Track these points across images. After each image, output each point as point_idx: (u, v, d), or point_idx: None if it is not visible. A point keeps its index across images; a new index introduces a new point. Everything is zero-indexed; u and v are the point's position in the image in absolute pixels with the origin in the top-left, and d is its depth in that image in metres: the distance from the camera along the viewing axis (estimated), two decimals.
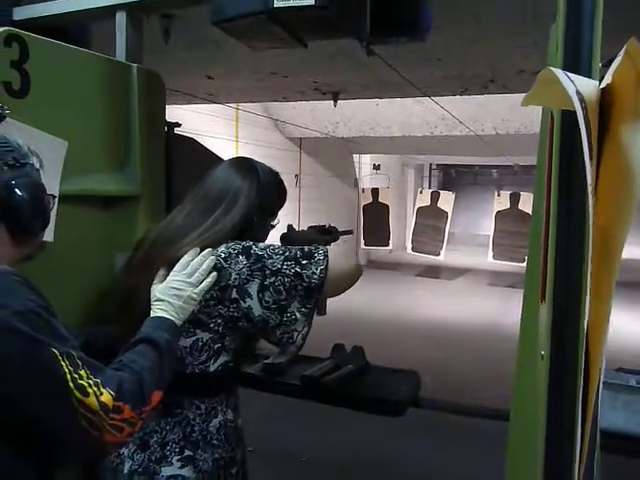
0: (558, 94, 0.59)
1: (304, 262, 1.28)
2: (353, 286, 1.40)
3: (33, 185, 1.08)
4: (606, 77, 0.64)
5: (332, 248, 1.38)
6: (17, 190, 1.04)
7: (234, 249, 1.30)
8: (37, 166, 1.12)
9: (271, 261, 1.27)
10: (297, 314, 1.28)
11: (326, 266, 1.29)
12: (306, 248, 1.32)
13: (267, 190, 1.42)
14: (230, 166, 1.45)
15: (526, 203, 9.73)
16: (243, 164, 1.45)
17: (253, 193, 1.39)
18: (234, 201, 1.37)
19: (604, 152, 0.64)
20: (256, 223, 1.40)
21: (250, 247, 1.30)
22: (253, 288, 1.27)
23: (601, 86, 0.63)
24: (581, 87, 0.59)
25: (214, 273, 1.27)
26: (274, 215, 1.49)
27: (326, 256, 1.30)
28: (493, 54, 3.52)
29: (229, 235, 1.34)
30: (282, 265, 1.27)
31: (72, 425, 0.96)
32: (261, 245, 1.31)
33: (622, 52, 0.58)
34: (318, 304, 1.32)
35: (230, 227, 1.35)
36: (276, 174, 1.49)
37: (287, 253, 1.29)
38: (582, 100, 0.58)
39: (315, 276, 1.28)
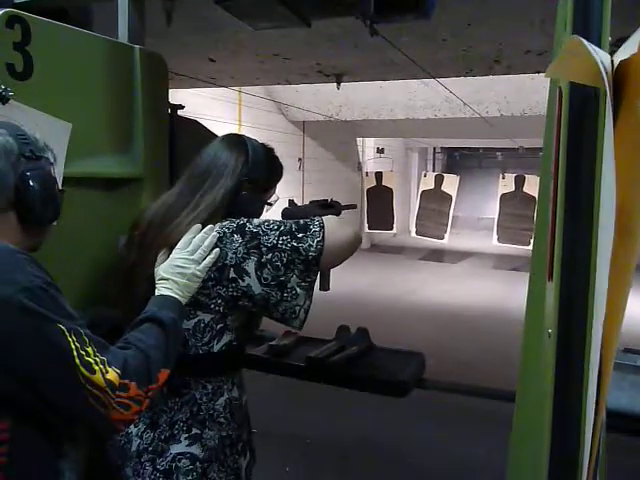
0: (578, 65, 0.57)
1: (300, 235, 1.28)
2: (353, 254, 1.38)
3: (47, 178, 1.10)
4: (626, 48, 0.62)
5: (329, 217, 1.36)
6: (31, 181, 1.06)
7: (228, 228, 1.29)
8: (52, 160, 1.15)
9: (266, 237, 1.27)
10: (297, 289, 1.28)
11: (323, 237, 1.28)
12: (301, 221, 1.31)
13: (255, 164, 1.40)
14: (219, 142, 1.44)
15: (531, 186, 9.69)
16: (232, 139, 1.44)
17: (240, 167, 1.38)
18: (219, 175, 1.36)
19: (618, 128, 0.63)
20: (246, 197, 1.38)
21: (244, 225, 1.29)
22: (250, 266, 1.26)
23: (622, 58, 0.62)
24: (603, 60, 0.58)
25: (216, 249, 1.27)
26: (269, 191, 1.47)
27: (322, 227, 1.29)
28: (498, 34, 3.48)
29: (219, 210, 1.33)
30: (278, 240, 1.27)
31: (79, 401, 0.97)
32: (255, 222, 1.30)
33: None
34: (322, 278, 1.32)
35: (218, 201, 1.34)
36: (269, 150, 1.47)
37: (282, 228, 1.29)
38: (606, 72, 0.57)
39: (312, 248, 1.27)
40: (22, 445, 1.00)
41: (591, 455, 0.69)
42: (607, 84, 0.57)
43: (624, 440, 1.59)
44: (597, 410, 0.68)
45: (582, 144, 0.75)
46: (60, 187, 1.19)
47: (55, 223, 1.17)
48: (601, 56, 0.58)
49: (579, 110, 0.74)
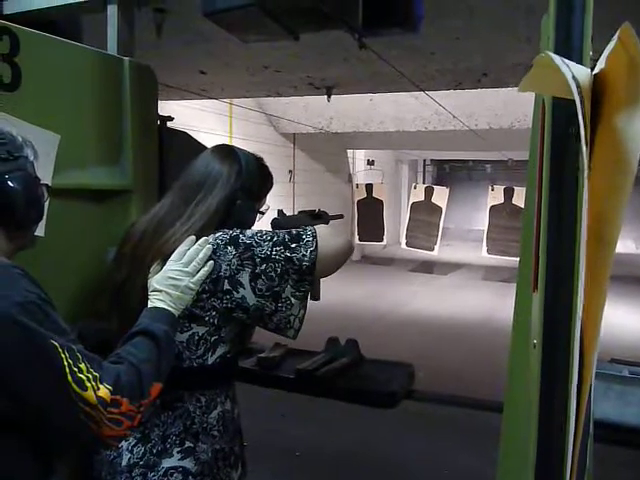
0: (554, 80, 0.59)
1: (293, 245, 1.28)
2: (346, 262, 1.39)
3: (26, 179, 1.07)
4: (599, 63, 0.64)
5: (320, 227, 1.36)
6: (10, 184, 1.03)
7: (221, 240, 1.29)
8: (31, 158, 1.11)
9: (260, 249, 1.27)
10: (292, 299, 1.28)
11: (316, 246, 1.28)
12: (294, 231, 1.31)
13: (249, 173, 1.40)
14: (210, 153, 1.44)
15: (520, 198, 9.74)
16: (223, 149, 1.45)
17: (233, 176, 1.38)
18: (213, 185, 1.36)
19: (597, 139, 0.64)
20: (240, 206, 1.38)
21: (237, 236, 1.29)
22: (245, 277, 1.26)
23: (594, 72, 0.63)
24: (576, 73, 0.59)
25: (211, 262, 1.26)
26: (260, 200, 1.48)
27: (314, 236, 1.29)
28: (486, 48, 3.52)
29: (213, 220, 1.33)
30: (271, 251, 1.27)
31: (70, 417, 0.96)
32: (248, 233, 1.30)
33: (615, 37, 0.58)
34: (312, 288, 1.32)
35: (213, 211, 1.34)
36: (259, 159, 1.47)
37: (275, 238, 1.28)
38: (578, 85, 0.58)
39: (306, 258, 1.27)
40: (10, 460, 0.99)
41: (572, 462, 0.69)
42: (578, 97, 0.58)
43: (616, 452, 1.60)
44: (577, 417, 0.68)
45: (565, 156, 0.76)
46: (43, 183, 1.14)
47: (42, 234, 1.16)
48: (574, 70, 0.59)
49: (561, 122, 0.75)
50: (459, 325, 7.43)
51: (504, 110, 8.03)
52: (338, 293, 8.65)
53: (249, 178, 1.40)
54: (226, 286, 1.27)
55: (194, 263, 1.25)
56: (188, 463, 1.30)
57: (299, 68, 4.25)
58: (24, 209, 1.05)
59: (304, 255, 1.27)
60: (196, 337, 1.31)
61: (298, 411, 4.02)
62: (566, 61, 0.61)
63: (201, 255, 1.26)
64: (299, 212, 1.70)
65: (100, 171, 1.61)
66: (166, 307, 1.22)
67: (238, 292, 1.27)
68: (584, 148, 0.62)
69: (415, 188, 11.69)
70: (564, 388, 0.72)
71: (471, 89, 5.06)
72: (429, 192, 11.30)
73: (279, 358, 2.20)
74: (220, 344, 1.33)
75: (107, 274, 1.47)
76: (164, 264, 1.28)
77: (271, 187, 1.50)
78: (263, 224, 1.47)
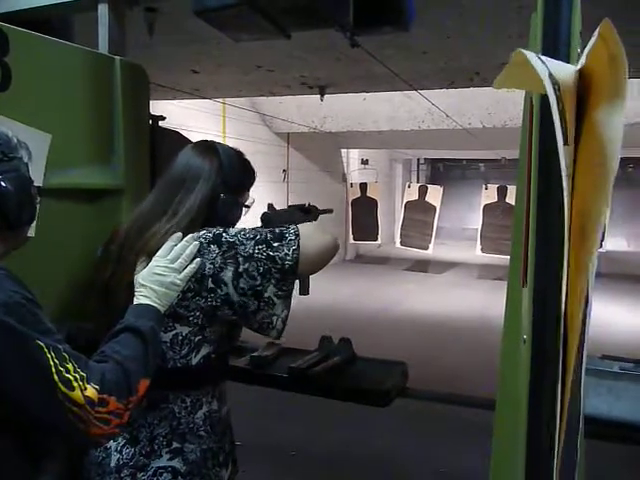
0: (531, 77, 0.59)
1: (275, 244, 1.27)
2: (331, 260, 1.38)
3: (21, 180, 1.06)
4: (580, 59, 0.65)
5: (305, 225, 1.36)
6: (4, 185, 1.02)
7: (205, 238, 1.29)
8: (26, 159, 1.10)
9: (243, 247, 1.26)
10: (274, 298, 1.27)
11: (298, 245, 1.28)
12: (277, 229, 1.31)
13: (230, 167, 1.40)
14: (190, 149, 1.44)
15: (514, 196, 9.76)
16: (203, 145, 1.45)
17: (214, 171, 1.38)
18: (195, 181, 1.36)
19: (582, 135, 0.64)
20: (224, 201, 1.38)
21: (220, 235, 1.29)
22: (228, 276, 1.26)
23: (576, 68, 0.64)
24: (555, 70, 0.60)
25: (198, 259, 1.26)
26: (244, 194, 1.47)
27: (297, 235, 1.29)
28: (477, 47, 3.54)
29: (199, 215, 1.33)
30: (254, 250, 1.26)
31: (58, 418, 0.95)
32: (232, 232, 1.30)
33: (595, 33, 0.58)
34: (301, 283, 1.31)
35: (196, 207, 1.34)
36: (239, 153, 1.48)
37: (258, 237, 1.28)
38: (555, 83, 0.58)
39: (288, 257, 1.27)
40: None
41: (558, 452, 0.70)
42: (553, 95, 0.58)
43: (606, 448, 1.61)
44: (562, 409, 0.69)
45: (552, 153, 0.76)
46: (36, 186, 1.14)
47: (32, 234, 1.16)
48: (552, 67, 0.60)
49: (549, 118, 0.76)
50: (453, 323, 7.45)
51: (496, 109, 8.06)
52: (332, 292, 8.65)
53: (230, 172, 1.40)
54: (210, 284, 1.27)
55: (181, 259, 1.25)
56: (177, 463, 1.30)
57: (292, 67, 4.25)
58: (17, 210, 1.05)
59: (286, 254, 1.27)
60: (180, 337, 1.30)
61: (292, 410, 4.03)
62: (544, 58, 0.62)
63: (188, 252, 1.26)
64: (289, 206, 1.71)
65: (91, 170, 1.61)
66: (151, 303, 1.22)
67: (222, 290, 1.27)
68: (560, 145, 0.63)
69: (409, 187, 11.72)
70: (553, 383, 0.73)
71: (464, 88, 5.07)
72: (423, 191, 11.34)
73: (272, 357, 2.20)
74: (204, 344, 1.33)
75: (94, 273, 1.47)
76: (150, 261, 1.28)
77: (254, 180, 1.50)
78: (253, 218, 1.47)
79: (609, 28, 0.56)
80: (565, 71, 0.62)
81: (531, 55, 0.59)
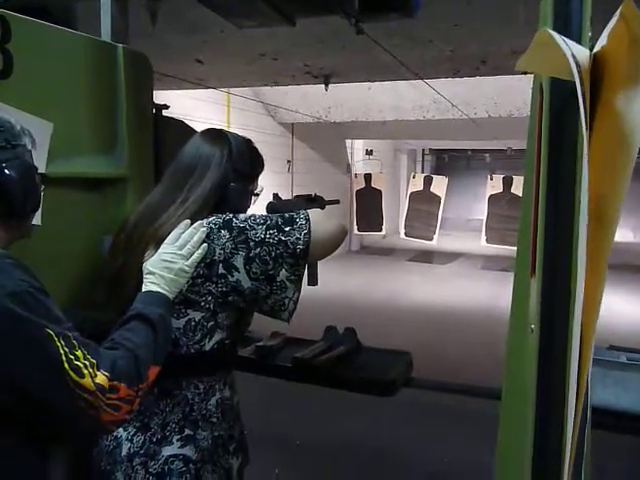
0: (553, 59, 0.57)
1: (287, 229, 1.28)
2: (340, 245, 1.39)
3: (24, 167, 1.05)
4: (600, 40, 0.63)
5: (314, 210, 1.37)
6: (7, 172, 1.01)
7: (215, 224, 1.29)
8: (29, 147, 1.10)
9: (254, 232, 1.27)
10: (287, 282, 1.28)
11: (309, 229, 1.28)
12: (287, 214, 1.31)
13: (239, 155, 1.41)
14: (199, 136, 1.44)
15: (519, 187, 9.71)
16: (212, 132, 1.45)
17: (225, 159, 1.38)
18: (206, 168, 1.37)
19: (597, 120, 0.63)
20: (234, 188, 1.39)
21: (231, 220, 1.30)
22: (239, 261, 1.26)
23: (594, 50, 0.62)
24: (576, 52, 0.58)
25: (205, 245, 1.27)
26: (253, 181, 1.48)
27: (308, 219, 1.30)
28: (484, 35, 3.50)
29: (208, 203, 1.34)
30: (265, 234, 1.27)
31: (69, 405, 0.96)
32: (241, 217, 1.31)
33: (617, 14, 0.56)
34: (310, 273, 1.32)
35: (206, 194, 1.34)
36: (248, 141, 1.48)
37: (268, 222, 1.29)
38: (578, 65, 0.56)
39: (300, 241, 1.27)
40: (6, 446, 0.98)
41: (572, 446, 0.69)
42: (578, 76, 0.57)
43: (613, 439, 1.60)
44: (577, 400, 0.68)
45: (563, 139, 0.75)
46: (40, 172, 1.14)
47: (39, 223, 1.15)
48: (573, 49, 0.58)
49: (559, 105, 0.74)
50: (458, 314, 7.44)
51: (503, 98, 7.99)
52: (337, 283, 8.65)
53: (240, 159, 1.40)
54: (221, 270, 1.27)
55: (188, 246, 1.25)
56: (188, 450, 1.31)
57: (296, 56, 4.22)
58: (21, 198, 1.04)
59: (298, 238, 1.27)
60: (192, 323, 1.31)
61: (296, 400, 4.03)
62: (566, 40, 0.60)
63: (195, 238, 1.26)
64: (295, 196, 1.72)
65: (95, 159, 1.60)
66: (160, 290, 1.22)
67: (233, 276, 1.27)
68: (584, 131, 0.61)
69: (414, 178, 11.65)
70: (561, 373, 0.72)
71: (470, 77, 5.02)
72: (428, 182, 11.27)
73: (277, 347, 2.20)
74: (217, 330, 1.33)
75: (104, 264, 1.47)
76: (159, 248, 1.28)
77: (262, 168, 1.50)
78: (259, 208, 1.47)
79: (632, 8, 0.54)
80: (583, 54, 0.60)
81: (556, 35, 0.58)
